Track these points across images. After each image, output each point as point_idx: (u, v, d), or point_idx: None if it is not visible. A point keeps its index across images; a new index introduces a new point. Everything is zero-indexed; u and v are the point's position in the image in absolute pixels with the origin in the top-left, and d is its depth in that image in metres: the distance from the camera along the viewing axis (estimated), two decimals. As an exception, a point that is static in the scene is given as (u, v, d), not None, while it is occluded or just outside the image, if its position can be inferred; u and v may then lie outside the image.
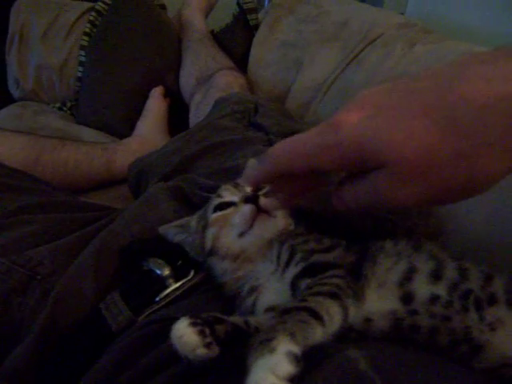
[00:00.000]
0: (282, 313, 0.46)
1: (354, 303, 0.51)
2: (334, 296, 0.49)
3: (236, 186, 0.68)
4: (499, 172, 0.39)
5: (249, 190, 0.66)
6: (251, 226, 0.60)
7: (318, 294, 0.49)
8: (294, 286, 0.56)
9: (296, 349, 0.41)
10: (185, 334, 0.46)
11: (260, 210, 0.60)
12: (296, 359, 0.40)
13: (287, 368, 0.39)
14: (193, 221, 0.70)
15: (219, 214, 0.64)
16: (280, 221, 0.63)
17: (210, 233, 0.64)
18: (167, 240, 0.71)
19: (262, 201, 0.61)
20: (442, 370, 0.48)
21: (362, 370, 0.44)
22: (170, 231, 0.71)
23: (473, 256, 0.59)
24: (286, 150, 0.47)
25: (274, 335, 0.41)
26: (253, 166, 0.74)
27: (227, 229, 0.62)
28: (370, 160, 0.41)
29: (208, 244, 0.64)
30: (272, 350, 0.40)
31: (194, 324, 0.46)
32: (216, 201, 0.66)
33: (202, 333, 0.46)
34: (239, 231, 0.61)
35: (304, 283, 0.54)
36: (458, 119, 0.38)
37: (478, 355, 0.50)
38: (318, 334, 0.45)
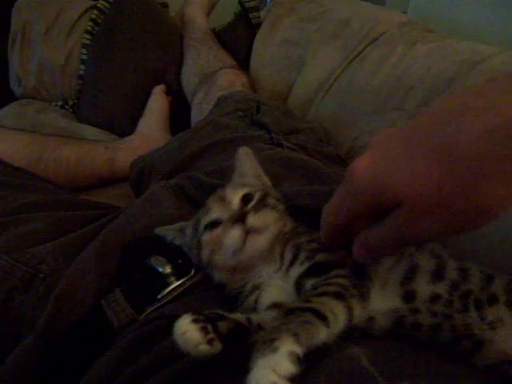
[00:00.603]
0: (287, 313, 0.46)
1: (358, 303, 0.51)
2: (338, 296, 0.49)
3: (222, 199, 0.65)
4: (504, 198, 0.42)
5: (236, 204, 0.64)
6: (243, 245, 0.59)
7: (323, 294, 0.49)
8: (298, 285, 0.56)
9: (299, 350, 0.41)
10: (187, 330, 0.46)
11: (249, 229, 0.59)
12: (298, 360, 0.41)
13: (288, 367, 0.40)
14: (188, 229, 0.69)
15: (210, 234, 0.63)
16: (272, 229, 0.61)
17: (204, 252, 0.64)
18: (165, 241, 0.71)
19: (250, 220, 0.59)
20: (443, 366, 0.48)
21: (363, 367, 0.45)
22: (168, 234, 0.70)
23: (473, 256, 0.59)
24: (326, 211, 0.53)
25: (278, 335, 0.42)
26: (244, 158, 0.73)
27: (220, 248, 0.61)
28: (386, 199, 0.45)
29: (204, 259, 0.64)
30: (274, 350, 0.41)
31: (196, 321, 0.46)
32: (205, 219, 0.64)
33: (204, 329, 0.46)
34: (231, 251, 0.60)
35: (309, 283, 0.54)
36: (457, 154, 0.42)
37: (480, 351, 0.50)
38: (323, 334, 0.45)
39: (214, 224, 0.63)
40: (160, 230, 0.71)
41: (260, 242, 0.59)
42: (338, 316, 0.47)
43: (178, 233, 0.70)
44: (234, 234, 0.59)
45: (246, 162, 0.72)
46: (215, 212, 0.64)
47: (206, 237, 0.63)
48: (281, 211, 0.65)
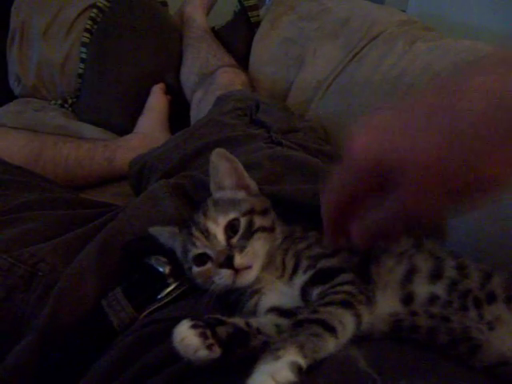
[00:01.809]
0: (295, 325, 0.47)
1: (366, 309, 0.51)
2: (346, 304, 0.49)
3: (206, 233, 0.62)
4: (507, 174, 0.41)
5: (221, 238, 0.61)
6: (234, 282, 0.58)
7: (330, 303, 0.50)
8: (304, 292, 0.56)
9: (302, 361, 0.42)
10: (186, 336, 0.46)
11: (237, 268, 0.58)
12: (299, 370, 0.41)
13: (288, 376, 0.41)
14: (177, 242, 0.67)
15: (199, 269, 0.62)
16: (262, 256, 0.60)
17: (197, 280, 0.63)
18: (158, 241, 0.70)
19: (237, 262, 0.58)
20: (441, 368, 0.48)
21: (362, 368, 0.45)
22: (161, 235, 0.70)
23: (472, 253, 0.59)
24: (326, 194, 0.52)
25: (283, 345, 0.43)
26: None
27: (212, 281, 0.60)
28: (387, 171, 0.44)
29: (198, 284, 0.63)
30: (277, 358, 0.42)
31: (195, 326, 0.47)
32: (191, 251, 0.63)
33: (203, 335, 0.46)
34: (223, 287, 0.59)
35: (315, 291, 0.54)
36: (460, 130, 0.41)
37: (477, 354, 0.50)
38: (331, 345, 0.45)
39: (201, 258, 0.62)
40: (154, 230, 0.70)
41: (250, 274, 0.59)
42: (347, 325, 0.47)
43: (169, 236, 0.69)
44: (223, 275, 0.58)
45: (221, 168, 0.68)
46: (200, 247, 0.62)
47: (196, 271, 0.63)
48: (270, 224, 0.63)
